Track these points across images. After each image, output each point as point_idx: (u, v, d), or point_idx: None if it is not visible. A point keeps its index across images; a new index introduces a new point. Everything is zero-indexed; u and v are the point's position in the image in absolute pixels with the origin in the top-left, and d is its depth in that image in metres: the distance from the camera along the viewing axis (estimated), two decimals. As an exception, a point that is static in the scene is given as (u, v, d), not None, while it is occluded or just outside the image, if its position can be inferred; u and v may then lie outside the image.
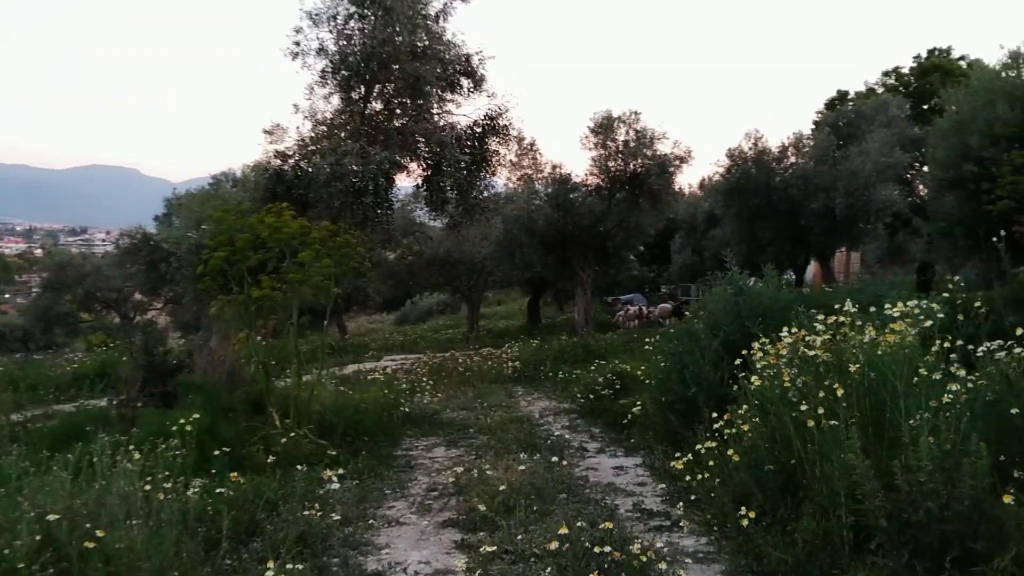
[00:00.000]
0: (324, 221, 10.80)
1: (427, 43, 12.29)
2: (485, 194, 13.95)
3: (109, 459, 6.34)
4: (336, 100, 12.69)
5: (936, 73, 28.31)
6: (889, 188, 24.01)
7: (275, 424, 9.82)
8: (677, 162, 22.77)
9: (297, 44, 12.35)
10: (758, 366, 6.28)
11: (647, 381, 10.87)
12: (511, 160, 16.03)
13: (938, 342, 5.54)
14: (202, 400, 10.19)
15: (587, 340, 19.25)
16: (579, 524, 5.69)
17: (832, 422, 5.18)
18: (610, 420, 11.33)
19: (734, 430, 6.50)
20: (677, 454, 7.37)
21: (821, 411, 5.27)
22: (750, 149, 26.15)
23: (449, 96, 13.09)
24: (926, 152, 19.34)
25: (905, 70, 30.28)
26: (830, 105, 31.51)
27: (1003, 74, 14.41)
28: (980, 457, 4.40)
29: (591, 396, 12.93)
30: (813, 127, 29.97)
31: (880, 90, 30.15)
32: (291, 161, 12.53)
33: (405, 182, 14.37)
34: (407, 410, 12.73)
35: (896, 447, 5.32)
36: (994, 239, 7.45)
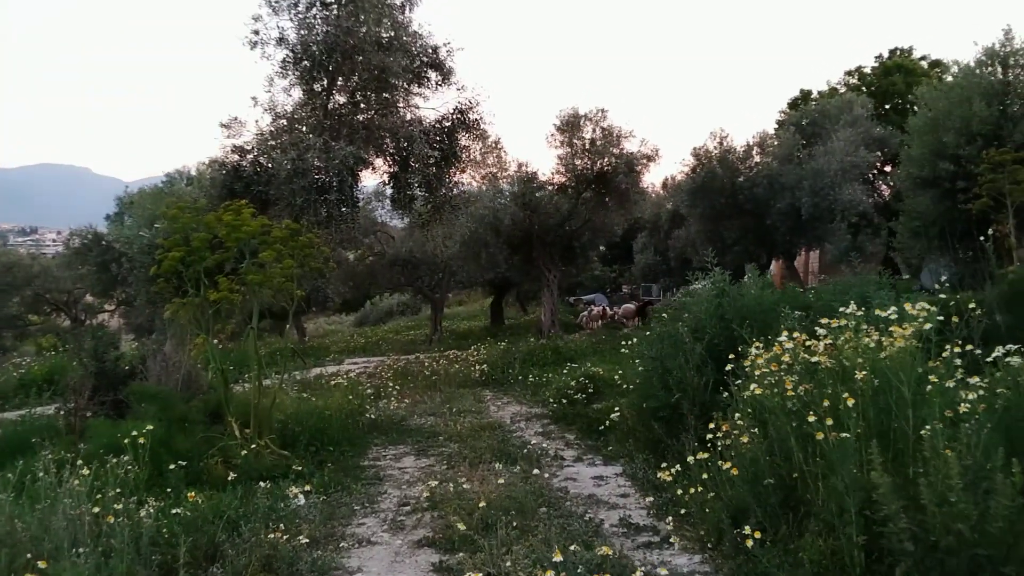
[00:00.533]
0: (285, 219, 10.26)
1: (393, 34, 11.76)
2: (455, 191, 13.45)
3: (55, 476, 5.87)
4: (297, 93, 12.12)
5: (899, 73, 28.37)
6: (855, 187, 23.94)
7: (235, 434, 9.29)
8: (644, 160, 22.47)
9: (256, 33, 11.74)
10: (756, 373, 5.90)
11: (625, 386, 10.49)
12: (475, 158, 15.52)
13: (947, 347, 5.24)
14: (156, 409, 9.60)
15: (556, 342, 18.88)
16: (573, 548, 5.27)
17: (843, 434, 4.83)
18: (585, 426, 10.97)
19: (728, 440, 6.15)
20: (663, 464, 7.03)
21: (830, 422, 4.93)
22: (715, 148, 25.91)
23: (416, 89, 12.58)
24: (901, 150, 19.20)
25: (867, 70, 30.33)
26: (793, 104, 31.46)
27: (978, 71, 14.29)
28: (1012, 473, 4.06)
29: (563, 401, 12.54)
30: (776, 126, 29.90)
31: (842, 90, 30.18)
32: (250, 156, 11.93)
33: (368, 180, 13.88)
34: (373, 417, 12.26)
35: (901, 460, 5.01)
36: (981, 238, 7.17)
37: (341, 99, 12.38)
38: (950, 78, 14.85)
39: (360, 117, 12.31)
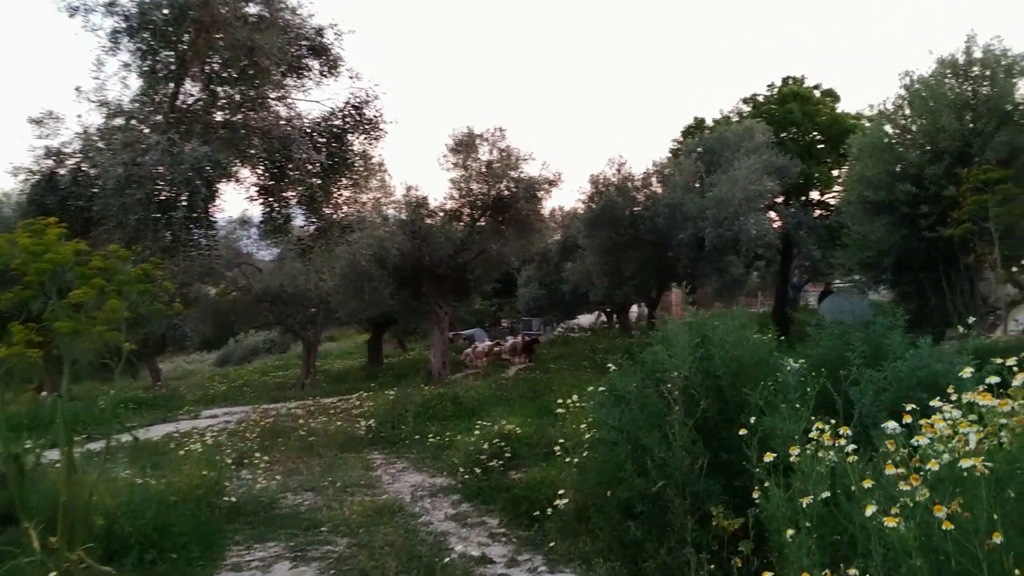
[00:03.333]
0: (113, 244, 7.50)
1: (264, 10, 9.21)
2: (345, 209, 10.82)
3: None
4: (136, 81, 9.34)
5: (795, 101, 27.66)
6: (759, 217, 22.85)
7: (34, 546, 6.49)
8: (546, 185, 20.62)
9: (76, -6, 8.88)
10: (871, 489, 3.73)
11: (568, 459, 8.23)
12: (372, 168, 12.89)
13: None
14: (-88, 515, 6.68)
15: (454, 391, 16.45)
16: None
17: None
18: (509, 507, 8.75)
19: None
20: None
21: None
22: (614, 175, 24.54)
23: (293, 81, 9.99)
24: (847, 171, 17.88)
25: (761, 98, 29.57)
26: (687, 132, 30.41)
27: (939, 83, 12.93)
28: None
29: (476, 470, 10.18)
30: (670, 155, 28.81)
31: (736, 118, 29.33)
32: (70, 162, 9.05)
33: (231, 205, 11.11)
34: (234, 499, 9.52)
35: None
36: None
37: (195, 90, 9.66)
38: (903, 91, 13.53)
39: (221, 116, 9.60)
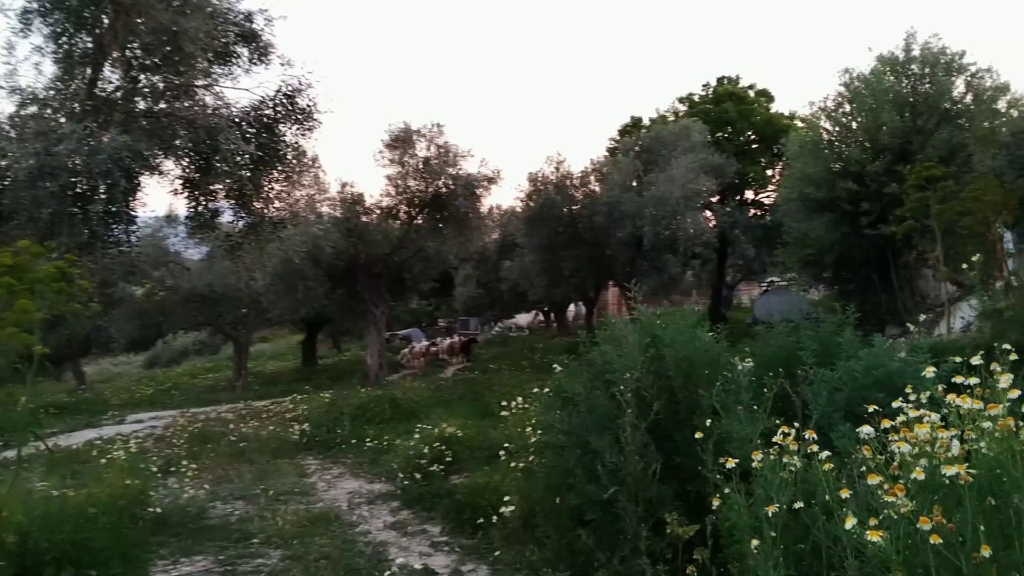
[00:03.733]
0: (24, 240, 6.97)
1: (186, -6, 8.70)
2: (277, 204, 10.32)
3: None
4: (50, 67, 8.74)
5: (730, 100, 27.99)
6: (696, 216, 23.01)
7: (-65, 565, 6.00)
8: (486, 182, 20.37)
9: (-22, -29, 8.29)
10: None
11: (513, 464, 7.96)
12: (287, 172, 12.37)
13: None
14: None
15: (392, 393, 16.06)
16: None
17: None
18: (451, 513, 8.46)
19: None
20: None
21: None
22: (552, 173, 24.49)
23: (221, 69, 9.48)
24: (786, 169, 17.98)
25: (696, 97, 29.85)
26: (624, 131, 30.56)
27: (881, 80, 13.00)
28: None
29: (416, 475, 9.84)
30: (608, 153, 28.89)
31: (671, 118, 29.54)
32: (-21, 154, 8.43)
33: (155, 200, 10.57)
34: (159, 510, 9.01)
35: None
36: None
37: (114, 76, 9.09)
38: (843, 88, 13.64)
39: (142, 103, 9.05)
